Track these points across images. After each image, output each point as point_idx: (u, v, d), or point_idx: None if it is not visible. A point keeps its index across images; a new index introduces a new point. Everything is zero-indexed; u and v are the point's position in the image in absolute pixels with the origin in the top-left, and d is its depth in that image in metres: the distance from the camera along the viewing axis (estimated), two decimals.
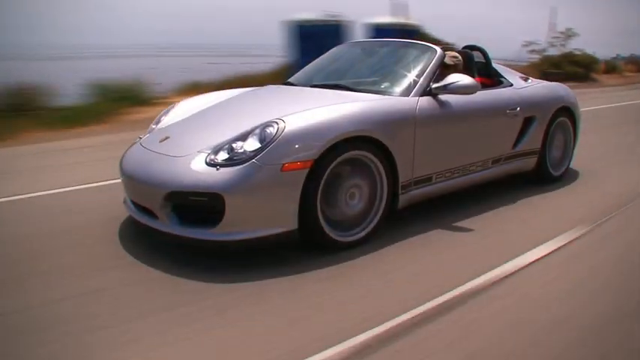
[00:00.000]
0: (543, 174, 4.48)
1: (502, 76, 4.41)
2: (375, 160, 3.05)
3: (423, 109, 3.34)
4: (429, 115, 3.37)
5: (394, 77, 3.72)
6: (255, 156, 2.67)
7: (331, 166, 2.83)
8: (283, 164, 2.67)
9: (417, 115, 3.28)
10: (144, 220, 2.95)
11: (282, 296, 2.46)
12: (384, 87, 3.63)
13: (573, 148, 4.81)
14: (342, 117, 2.93)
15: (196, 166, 2.75)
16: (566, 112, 4.61)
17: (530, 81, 4.59)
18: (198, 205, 2.71)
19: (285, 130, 2.73)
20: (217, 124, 3.26)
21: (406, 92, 3.44)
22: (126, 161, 3.23)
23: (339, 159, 2.86)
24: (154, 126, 3.71)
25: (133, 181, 3.03)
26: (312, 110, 2.95)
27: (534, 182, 4.46)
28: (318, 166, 2.76)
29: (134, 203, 3.11)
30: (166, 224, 2.79)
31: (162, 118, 3.78)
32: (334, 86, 3.74)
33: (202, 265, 2.76)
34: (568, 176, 4.75)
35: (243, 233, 2.68)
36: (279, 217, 2.73)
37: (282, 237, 2.75)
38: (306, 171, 2.72)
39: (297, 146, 2.71)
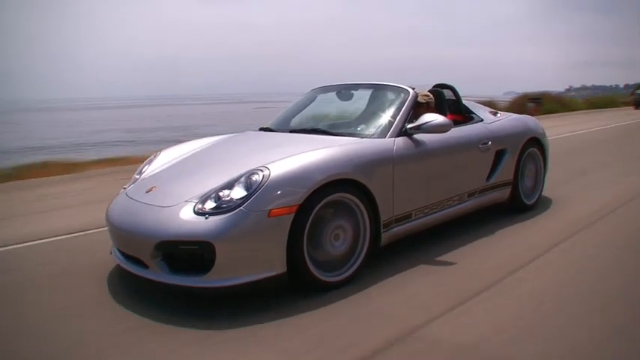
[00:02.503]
0: (517, 204, 4.65)
1: (472, 112, 4.61)
2: (357, 201, 3.15)
3: (399, 150, 3.48)
4: (405, 155, 3.50)
5: (370, 119, 3.88)
6: (242, 203, 2.75)
7: (315, 209, 2.91)
8: (270, 210, 2.75)
9: (394, 156, 3.42)
10: (133, 269, 2.99)
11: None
12: (361, 129, 3.78)
13: (544, 177, 5.01)
14: (323, 161, 3.04)
15: (185, 216, 2.82)
16: (536, 143, 4.83)
17: (499, 115, 4.81)
18: (188, 253, 2.77)
19: (270, 177, 2.83)
20: (202, 173, 3.34)
21: (383, 134, 3.59)
22: (112, 212, 3.28)
23: (322, 202, 2.95)
24: (137, 176, 3.78)
25: (122, 231, 3.07)
26: (294, 156, 3.05)
27: (509, 212, 4.62)
28: (303, 210, 2.85)
29: (122, 253, 3.16)
30: (157, 273, 2.84)
31: (145, 167, 3.85)
32: (312, 131, 3.87)
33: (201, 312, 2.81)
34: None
35: (235, 279, 2.73)
36: (268, 261, 2.79)
37: (272, 281, 2.80)
38: (292, 215, 2.81)
39: (282, 192, 2.81)
